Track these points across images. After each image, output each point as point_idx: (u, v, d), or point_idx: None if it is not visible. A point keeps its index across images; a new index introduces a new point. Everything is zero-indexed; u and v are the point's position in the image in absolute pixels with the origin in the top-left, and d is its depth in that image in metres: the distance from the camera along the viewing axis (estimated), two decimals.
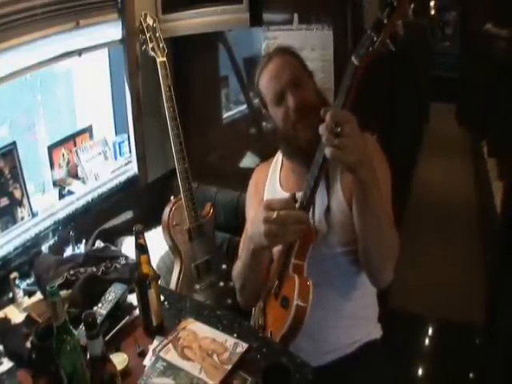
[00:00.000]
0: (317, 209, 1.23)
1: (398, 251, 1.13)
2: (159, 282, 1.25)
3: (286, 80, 1.22)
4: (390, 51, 0.91)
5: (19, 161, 1.64)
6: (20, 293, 1.44)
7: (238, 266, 1.31)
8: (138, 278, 1.20)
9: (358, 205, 1.06)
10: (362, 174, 0.97)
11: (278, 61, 1.27)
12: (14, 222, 1.64)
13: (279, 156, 1.46)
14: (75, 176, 1.97)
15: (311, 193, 1.09)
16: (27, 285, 1.50)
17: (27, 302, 1.41)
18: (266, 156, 1.56)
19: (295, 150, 1.27)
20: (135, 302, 1.29)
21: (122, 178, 2.06)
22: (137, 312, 1.29)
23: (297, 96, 1.21)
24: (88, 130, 2.05)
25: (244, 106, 2.18)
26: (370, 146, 1.26)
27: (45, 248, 1.67)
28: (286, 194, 1.33)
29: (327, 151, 0.94)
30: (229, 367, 1.08)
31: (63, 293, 1.28)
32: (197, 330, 1.22)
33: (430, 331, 2.50)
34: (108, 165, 2.05)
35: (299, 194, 1.14)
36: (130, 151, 2.13)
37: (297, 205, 1.12)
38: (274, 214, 1.03)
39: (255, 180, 1.50)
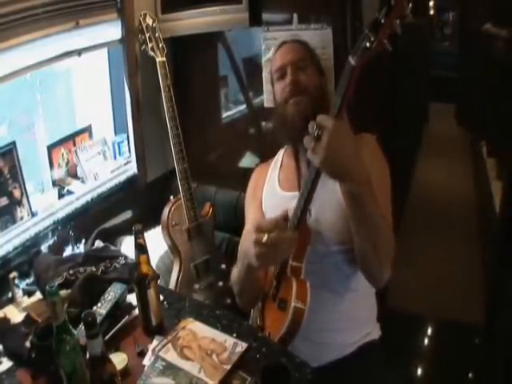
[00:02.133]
0: (314, 208, 1.23)
1: (393, 251, 1.13)
2: (158, 281, 1.26)
3: (290, 59, 1.33)
4: (388, 51, 0.91)
5: (18, 160, 1.64)
6: (19, 292, 1.44)
7: (235, 272, 1.31)
8: (138, 277, 1.20)
9: (350, 213, 1.07)
10: (349, 188, 0.99)
11: (290, 44, 1.40)
12: (14, 221, 1.63)
13: (279, 156, 1.47)
14: (74, 176, 1.97)
15: (308, 196, 1.08)
16: (27, 284, 1.49)
17: (26, 301, 1.41)
18: (265, 156, 1.56)
19: (282, 127, 1.34)
20: (135, 302, 1.29)
21: (122, 178, 2.06)
22: (136, 312, 1.29)
23: (295, 74, 1.30)
24: (87, 130, 2.05)
25: (243, 106, 2.17)
26: (370, 146, 1.27)
27: (44, 248, 1.67)
28: (284, 194, 1.34)
29: (308, 153, 0.97)
30: (228, 367, 1.08)
31: (63, 292, 1.28)
32: (196, 329, 1.22)
33: (429, 331, 2.50)
34: (107, 164, 2.05)
35: (294, 198, 1.14)
36: (130, 151, 2.13)
37: (291, 210, 1.13)
38: (265, 237, 1.03)
39: (253, 183, 1.50)
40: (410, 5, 0.92)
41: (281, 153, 1.48)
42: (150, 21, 1.82)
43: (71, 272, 1.41)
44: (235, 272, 1.31)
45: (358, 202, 1.01)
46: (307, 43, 1.45)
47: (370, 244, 1.08)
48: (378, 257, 1.10)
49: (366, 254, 1.11)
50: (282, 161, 1.44)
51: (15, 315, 1.33)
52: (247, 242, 1.08)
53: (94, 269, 1.43)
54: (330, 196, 1.23)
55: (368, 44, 0.90)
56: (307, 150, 0.97)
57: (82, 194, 1.89)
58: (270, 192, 1.40)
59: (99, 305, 1.26)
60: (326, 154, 0.93)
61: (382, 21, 0.88)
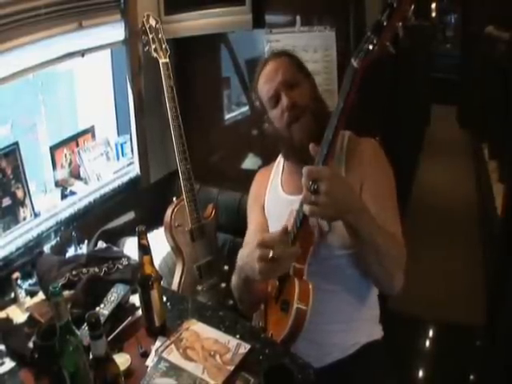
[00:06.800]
0: None
1: (404, 260, 1.13)
2: (161, 282, 1.26)
3: (280, 81, 1.25)
4: (391, 54, 0.91)
5: (21, 161, 1.65)
6: (22, 293, 1.44)
7: (235, 280, 1.32)
8: (141, 278, 1.20)
9: (351, 239, 1.07)
10: (348, 221, 1.00)
11: (272, 64, 1.29)
12: (17, 222, 1.64)
13: (281, 159, 1.46)
14: (77, 176, 1.97)
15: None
16: (29, 285, 1.50)
17: (29, 302, 1.41)
18: (268, 157, 1.56)
19: (290, 150, 1.31)
20: (138, 303, 1.29)
21: (124, 179, 2.06)
22: (139, 313, 1.29)
23: (290, 96, 1.23)
24: (90, 131, 2.06)
25: (246, 108, 2.18)
26: (375, 151, 1.27)
27: (47, 248, 1.68)
28: (287, 197, 1.34)
29: (305, 208, 0.96)
30: (231, 368, 1.08)
31: (66, 293, 1.28)
32: (199, 330, 1.22)
33: (431, 333, 2.50)
34: (110, 165, 2.05)
35: (297, 201, 1.12)
36: (132, 152, 2.13)
37: (293, 212, 1.12)
38: (270, 254, 1.02)
39: (255, 187, 1.50)
40: (413, 7, 0.91)
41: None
42: (153, 22, 1.82)
43: (74, 273, 1.41)
44: (235, 280, 1.31)
45: (357, 229, 1.02)
46: (287, 50, 1.39)
47: (376, 261, 1.09)
48: (385, 270, 1.11)
49: (372, 269, 1.12)
50: (283, 164, 1.44)
51: (18, 316, 1.33)
52: (250, 259, 1.08)
53: (96, 270, 1.43)
54: None
55: (370, 46, 0.90)
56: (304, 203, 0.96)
57: (84, 194, 1.89)
58: (273, 196, 1.40)
59: (102, 305, 1.26)
60: (328, 206, 0.93)
61: (385, 23, 0.87)
